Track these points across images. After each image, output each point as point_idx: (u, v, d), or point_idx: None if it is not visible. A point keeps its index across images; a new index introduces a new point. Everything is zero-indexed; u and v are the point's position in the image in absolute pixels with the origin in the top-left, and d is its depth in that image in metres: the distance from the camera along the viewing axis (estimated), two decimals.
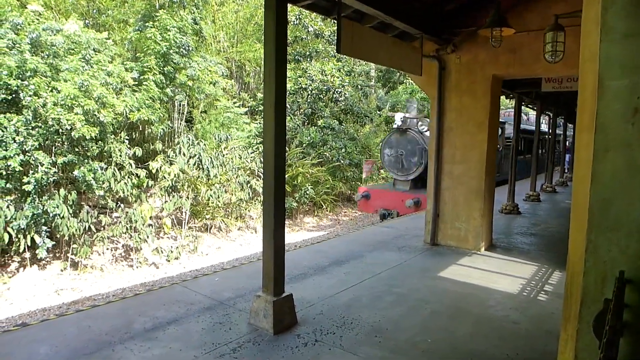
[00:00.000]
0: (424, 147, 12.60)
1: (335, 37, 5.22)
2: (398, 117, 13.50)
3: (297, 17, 19.63)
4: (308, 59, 20.74)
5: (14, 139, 9.30)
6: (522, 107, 13.53)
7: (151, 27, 12.87)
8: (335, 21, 5.34)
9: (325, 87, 19.86)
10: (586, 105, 2.08)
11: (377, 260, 6.74)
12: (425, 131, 12.83)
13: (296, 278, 5.77)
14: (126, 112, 11.33)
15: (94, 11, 16.98)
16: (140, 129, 13.33)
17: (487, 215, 7.46)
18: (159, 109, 12.63)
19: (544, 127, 21.18)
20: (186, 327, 4.30)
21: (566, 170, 20.92)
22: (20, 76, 9.66)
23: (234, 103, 17.60)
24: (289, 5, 4.71)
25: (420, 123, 13.56)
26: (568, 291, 2.22)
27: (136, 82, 12.35)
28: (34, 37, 10.54)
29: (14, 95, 9.66)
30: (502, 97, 12.16)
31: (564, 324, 2.27)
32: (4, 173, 9.34)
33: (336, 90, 20.26)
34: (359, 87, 23.51)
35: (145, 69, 12.58)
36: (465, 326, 4.49)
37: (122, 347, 3.86)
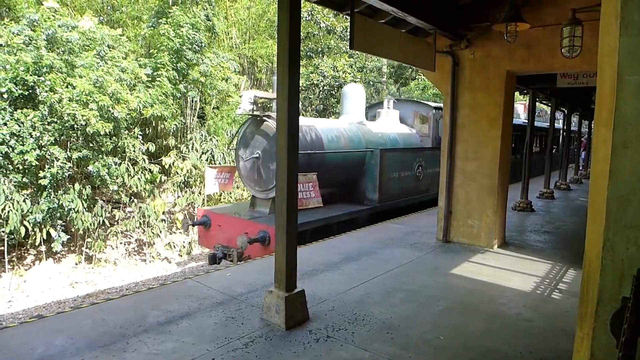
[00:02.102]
0: None
1: (348, 33, 5.20)
2: (246, 97, 8.49)
3: (309, 12, 19.59)
4: (320, 55, 20.70)
5: (30, 134, 9.46)
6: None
7: (164, 24, 12.96)
8: (347, 17, 5.32)
9: (337, 83, 19.81)
10: (604, 101, 2.04)
11: (389, 256, 6.72)
12: None
13: (308, 274, 5.79)
14: (140, 108, 11.44)
15: (109, 8, 17.15)
16: (154, 124, 13.46)
17: (500, 213, 7.39)
18: (172, 105, 12.73)
19: (543, 123, 20.40)
20: (199, 322, 4.33)
21: (581, 168, 20.63)
22: (37, 72, 9.81)
23: None
24: (302, 1, 4.69)
25: None
26: (584, 289, 2.20)
27: (149, 79, 12.46)
28: (50, 33, 10.68)
29: (30, 91, 9.81)
30: (516, 93, 12.01)
31: (579, 322, 2.24)
32: (21, 167, 9.51)
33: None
34: (371, 83, 23.41)
35: (158, 65, 12.68)
36: (477, 324, 4.46)
37: (136, 340, 3.91)
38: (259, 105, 8.68)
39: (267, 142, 8.54)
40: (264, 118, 8.61)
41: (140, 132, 12.07)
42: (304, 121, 9.35)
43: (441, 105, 12.83)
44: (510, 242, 7.82)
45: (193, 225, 9.31)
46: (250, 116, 8.78)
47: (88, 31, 11.62)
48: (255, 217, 8.44)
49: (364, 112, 11.57)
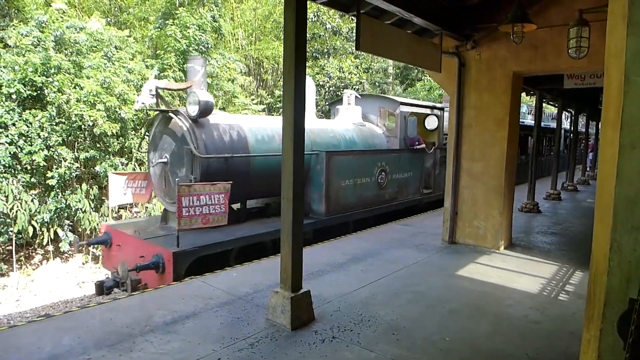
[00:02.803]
0: (194, 150, 6.73)
1: (354, 34, 5.20)
2: (147, 88, 7.05)
3: (315, 13, 19.62)
4: (326, 56, 20.72)
5: (38, 134, 9.55)
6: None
7: (171, 25, 13.05)
8: (354, 18, 5.33)
9: (342, 84, 19.83)
10: (611, 102, 2.04)
11: (395, 257, 6.71)
12: (198, 116, 6.86)
13: (313, 275, 5.79)
14: (146, 109, 11.50)
15: (116, 9, 17.26)
16: None
17: (507, 214, 7.36)
18: (179, 105, 12.80)
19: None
20: (205, 322, 4.35)
21: (588, 169, 20.51)
22: (45, 73, 9.90)
23: (252, 100, 17.71)
24: (308, 2, 4.70)
25: (190, 100, 6.93)
26: (591, 291, 2.19)
27: (156, 79, 12.52)
28: (58, 34, 10.78)
29: (38, 92, 9.90)
30: (522, 94, 11.95)
31: (586, 324, 2.23)
32: (29, 167, 9.59)
33: (354, 87, 20.21)
34: (377, 84, 23.40)
35: (165, 66, 12.76)
36: (484, 325, 4.45)
37: (143, 340, 3.93)
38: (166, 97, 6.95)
39: (176, 144, 7.04)
40: (171, 114, 7.10)
41: (147, 133, 12.13)
42: (225, 119, 7.71)
43: (407, 100, 11.70)
44: (516, 243, 7.78)
45: (88, 244, 7.44)
46: (158, 112, 7.33)
47: (96, 32, 11.72)
48: (161, 235, 6.93)
49: (314, 108, 10.06)
